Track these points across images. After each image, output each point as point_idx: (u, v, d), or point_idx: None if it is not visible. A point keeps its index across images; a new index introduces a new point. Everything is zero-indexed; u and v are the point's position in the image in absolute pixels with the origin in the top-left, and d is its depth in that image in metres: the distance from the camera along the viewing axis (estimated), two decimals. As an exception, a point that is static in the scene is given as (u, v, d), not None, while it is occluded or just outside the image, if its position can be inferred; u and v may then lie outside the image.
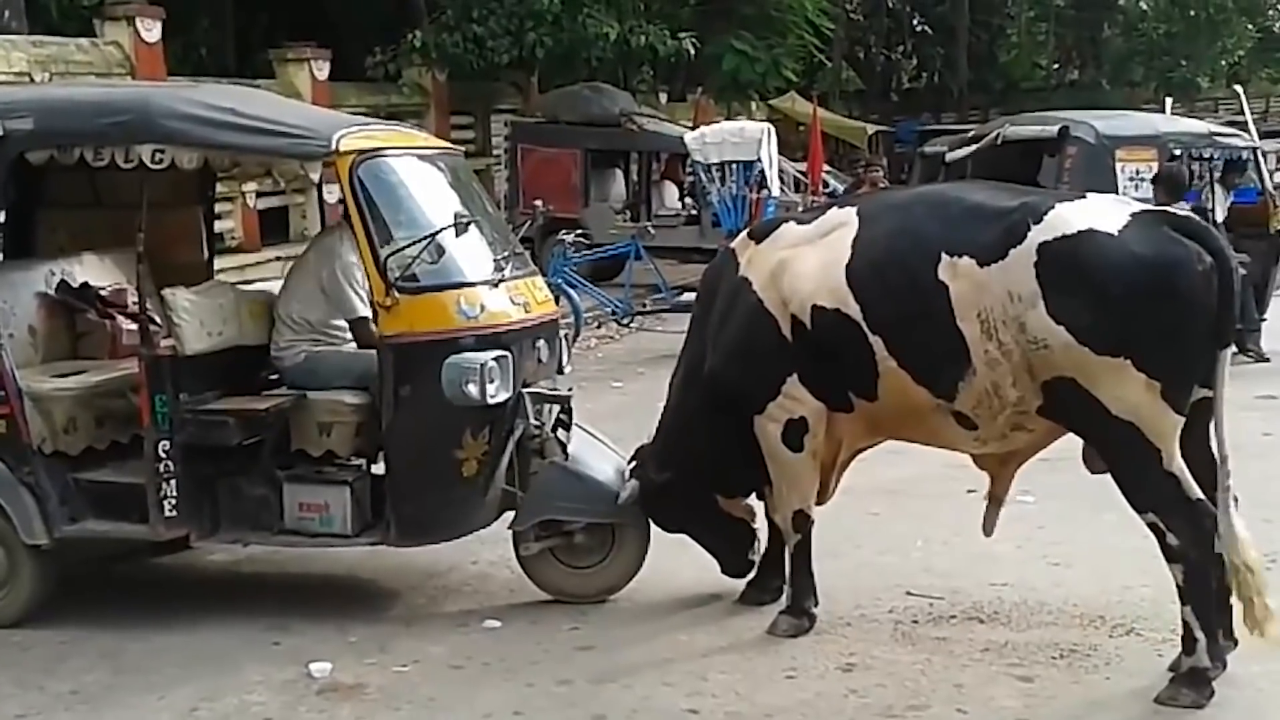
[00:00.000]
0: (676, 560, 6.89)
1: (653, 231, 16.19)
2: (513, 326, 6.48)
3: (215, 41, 22.51)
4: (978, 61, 40.63)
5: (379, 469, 6.67)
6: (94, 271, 7.58)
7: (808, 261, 5.95)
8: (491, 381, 6.12)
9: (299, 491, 6.52)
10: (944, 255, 5.56)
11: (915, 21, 35.18)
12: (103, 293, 7.45)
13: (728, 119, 21.05)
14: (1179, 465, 5.32)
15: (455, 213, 6.45)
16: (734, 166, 14.67)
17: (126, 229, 7.80)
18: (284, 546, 6.78)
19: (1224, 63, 37.29)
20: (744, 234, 6.52)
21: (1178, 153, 12.64)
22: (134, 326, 7.29)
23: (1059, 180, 12.00)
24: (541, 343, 6.69)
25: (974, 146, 13.14)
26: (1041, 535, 7.50)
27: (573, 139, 19.82)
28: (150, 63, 15.93)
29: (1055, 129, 12.57)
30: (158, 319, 7.43)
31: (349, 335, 6.80)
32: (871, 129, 33.03)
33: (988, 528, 6.22)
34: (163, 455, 6.34)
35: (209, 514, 6.56)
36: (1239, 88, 16.23)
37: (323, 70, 18.86)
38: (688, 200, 20.43)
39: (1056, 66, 43.96)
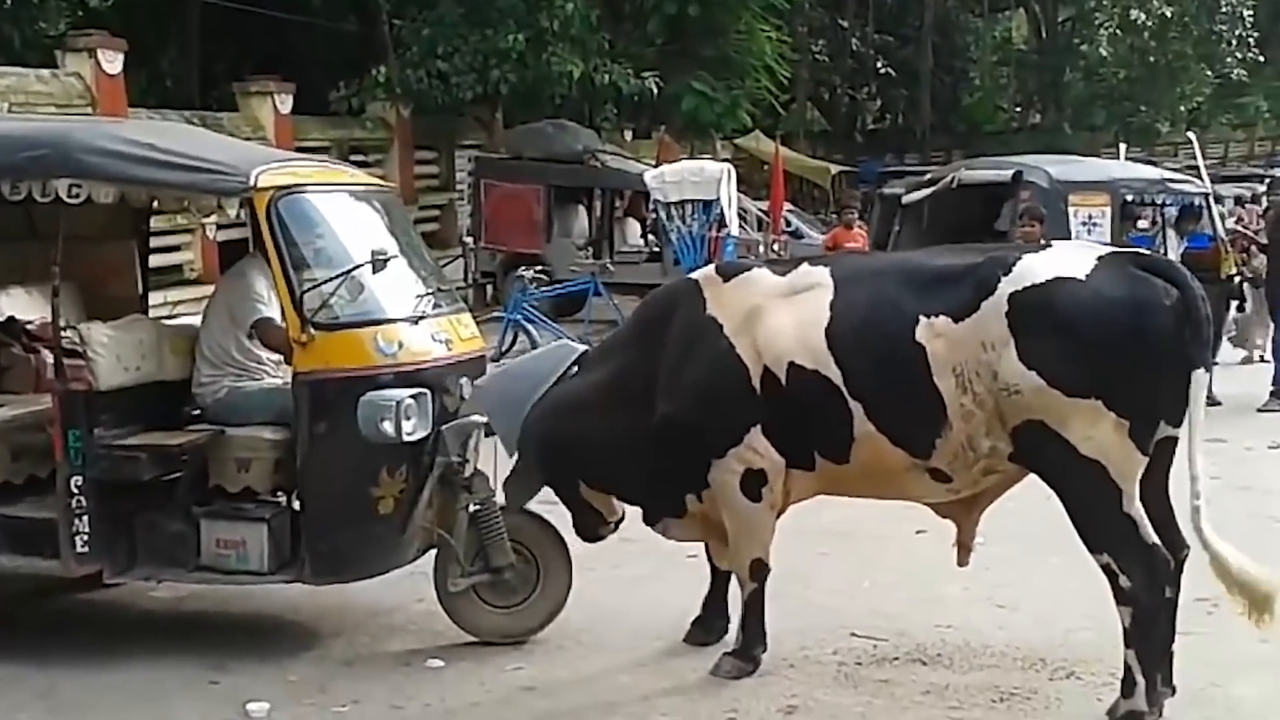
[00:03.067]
0: (621, 603, 6.92)
1: (612, 269, 16.19)
2: (433, 364, 6.43)
3: (180, 73, 22.53)
4: (941, 104, 40.96)
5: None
6: (22, 305, 7.57)
7: (783, 316, 5.94)
8: (408, 419, 6.07)
9: (216, 528, 6.46)
10: (921, 318, 5.65)
11: (879, 64, 35.37)
12: (29, 326, 7.43)
13: (691, 158, 21.19)
14: (1137, 508, 5.44)
15: (373, 250, 6.37)
16: (694, 205, 14.70)
17: (63, 262, 7.79)
18: (198, 584, 6.75)
19: (1183, 108, 37.67)
20: (709, 270, 6.45)
21: (1130, 198, 12.77)
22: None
23: (1013, 223, 12.08)
24: (464, 380, 6.61)
25: (930, 190, 13.24)
26: (988, 578, 7.48)
27: (536, 175, 19.87)
28: (111, 94, 15.90)
29: (1009, 173, 12.66)
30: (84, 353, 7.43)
31: (267, 368, 6.81)
32: (835, 169, 33.23)
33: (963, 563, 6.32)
34: (75, 490, 6.29)
35: (124, 550, 6.49)
36: (1193, 134, 16.37)
37: (285, 104, 18.89)
38: (650, 238, 20.50)
39: (1019, 110, 44.30)
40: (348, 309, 6.27)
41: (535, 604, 6.65)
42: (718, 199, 14.48)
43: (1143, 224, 13.77)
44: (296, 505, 6.61)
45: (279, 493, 6.66)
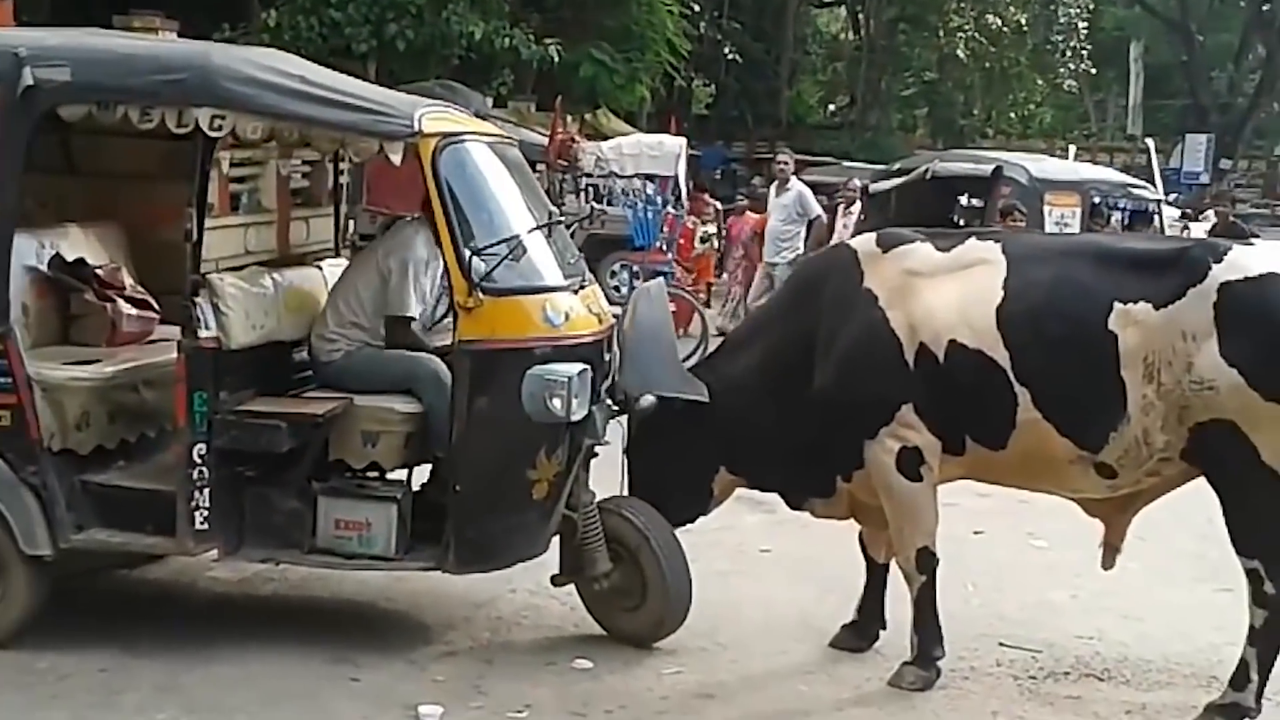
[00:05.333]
0: (723, 600, 6.57)
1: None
2: (592, 337, 5.93)
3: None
4: (769, 95, 41.01)
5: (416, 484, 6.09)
6: (80, 247, 6.71)
7: (945, 291, 5.63)
8: (576, 397, 5.53)
9: (336, 507, 5.80)
10: (1116, 304, 5.38)
11: (727, 51, 35.19)
12: (98, 272, 6.59)
13: (580, 130, 20.64)
14: None
15: (548, 211, 6.06)
16: (647, 180, 14.17)
17: (103, 200, 7.01)
18: (315, 567, 6.06)
19: (1012, 115, 38.58)
20: (868, 239, 6.05)
21: (1097, 200, 12.78)
22: (134, 311, 6.55)
23: (992, 219, 11.95)
24: (608, 356, 6.13)
25: (901, 180, 13.05)
26: (1088, 585, 7.23)
27: (423, 137, 18.97)
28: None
29: (989, 168, 12.53)
30: (153, 303, 6.68)
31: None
32: (682, 152, 32.93)
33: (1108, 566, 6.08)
34: (198, 460, 5.60)
35: (235, 528, 5.79)
36: (1150, 141, 16.57)
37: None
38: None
39: (846, 105, 44.76)
40: (515, 274, 5.68)
41: (649, 607, 6.05)
42: (676, 174, 13.99)
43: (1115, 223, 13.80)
44: (416, 484, 6.04)
45: (403, 469, 6.04)
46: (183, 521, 5.60)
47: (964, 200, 12.96)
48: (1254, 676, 5.34)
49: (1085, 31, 35.92)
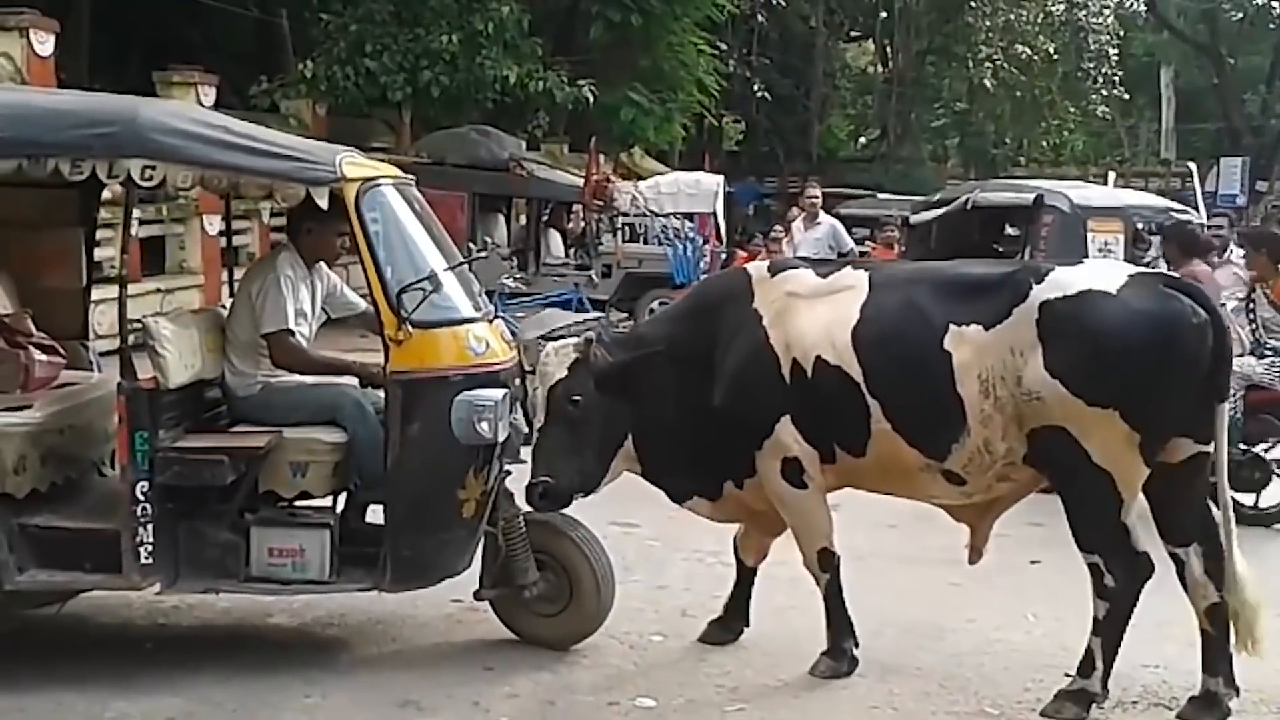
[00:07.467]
0: (781, 633, 6.67)
1: (597, 281, 15.59)
2: (506, 364, 6.28)
3: (71, 59, 21.22)
4: (799, 130, 41.13)
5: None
6: None
7: (815, 312, 6.12)
8: (500, 420, 5.93)
9: (269, 536, 6.06)
10: (951, 326, 5.83)
11: (756, 88, 35.30)
12: (6, 319, 6.67)
13: (615, 170, 20.75)
14: (1133, 518, 5.72)
15: (475, 245, 6.32)
16: (687, 218, 14.21)
17: None
18: (251, 595, 6.28)
19: (1045, 143, 38.59)
20: (763, 267, 6.57)
21: (1140, 226, 12.67)
22: (45, 357, 6.65)
23: (1035, 248, 11.88)
24: (516, 382, 6.44)
25: (940, 210, 12.98)
26: (1149, 613, 6.81)
27: (459, 181, 19.08)
28: (42, 76, 14.95)
29: (1030, 197, 12.46)
30: (59, 349, 6.76)
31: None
32: (716, 189, 32.94)
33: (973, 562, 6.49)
34: (140, 497, 5.81)
35: (173, 561, 5.98)
36: (1192, 165, 16.48)
37: (209, 95, 17.93)
38: (574, 250, 19.92)
39: (878, 137, 44.84)
40: (438, 307, 6.02)
41: (576, 611, 6.44)
42: (714, 211, 14.05)
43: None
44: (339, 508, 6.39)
45: (331, 496, 6.34)
46: (128, 557, 5.80)
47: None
48: (1099, 664, 5.77)
49: (1115, 58, 35.93)
